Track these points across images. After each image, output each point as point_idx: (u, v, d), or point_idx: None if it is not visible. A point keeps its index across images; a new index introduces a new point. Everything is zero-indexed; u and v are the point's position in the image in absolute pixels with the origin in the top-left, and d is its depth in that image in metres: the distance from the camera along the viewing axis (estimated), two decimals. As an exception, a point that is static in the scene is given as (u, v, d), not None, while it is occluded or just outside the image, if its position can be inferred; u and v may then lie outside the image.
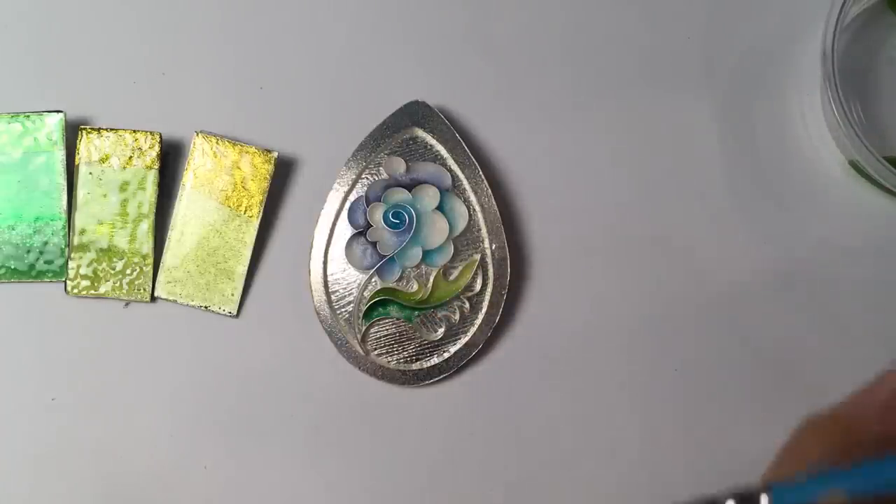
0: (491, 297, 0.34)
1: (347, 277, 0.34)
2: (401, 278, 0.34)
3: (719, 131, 0.36)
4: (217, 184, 0.35)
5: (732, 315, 0.35)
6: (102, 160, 0.34)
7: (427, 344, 0.34)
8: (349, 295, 0.34)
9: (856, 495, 0.20)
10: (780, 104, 0.36)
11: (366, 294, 0.34)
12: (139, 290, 0.34)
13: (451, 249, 0.34)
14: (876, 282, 0.35)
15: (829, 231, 0.36)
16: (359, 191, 0.34)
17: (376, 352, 0.34)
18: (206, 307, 0.35)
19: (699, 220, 0.36)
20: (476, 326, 0.34)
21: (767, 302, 0.35)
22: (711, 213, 0.36)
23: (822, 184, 0.36)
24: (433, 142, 0.35)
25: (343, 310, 0.34)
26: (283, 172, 0.36)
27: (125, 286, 0.34)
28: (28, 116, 0.34)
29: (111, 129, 0.34)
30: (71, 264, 0.34)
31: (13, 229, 0.34)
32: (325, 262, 0.34)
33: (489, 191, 0.34)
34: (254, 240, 0.35)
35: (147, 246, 0.35)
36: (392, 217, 0.34)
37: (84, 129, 0.34)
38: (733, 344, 0.35)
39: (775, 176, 0.36)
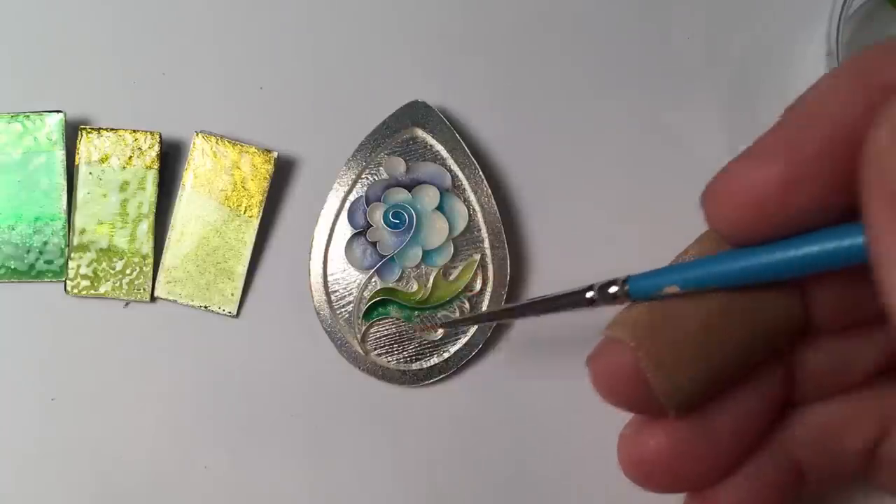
0: (491, 297, 0.34)
1: (347, 277, 0.34)
2: (401, 278, 0.34)
3: (723, 130, 0.36)
4: (217, 184, 0.35)
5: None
6: (102, 160, 0.34)
7: (427, 344, 0.34)
8: (349, 295, 0.34)
9: (686, 287, 0.24)
10: (783, 102, 0.36)
11: (366, 294, 0.34)
12: (139, 290, 0.34)
13: (451, 249, 0.34)
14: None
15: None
16: (359, 191, 0.34)
17: (376, 352, 0.34)
18: (206, 307, 0.35)
19: (702, 221, 0.35)
20: (476, 326, 0.34)
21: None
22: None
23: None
24: (433, 142, 0.35)
25: (343, 310, 0.34)
26: (283, 172, 0.36)
27: (125, 286, 0.34)
28: (28, 116, 0.34)
29: (111, 129, 0.35)
30: (71, 264, 0.34)
31: (13, 229, 0.34)
32: (324, 262, 0.34)
33: (489, 191, 0.34)
34: (254, 240, 0.35)
35: (147, 246, 0.35)
36: (392, 217, 0.34)
37: (84, 128, 0.34)
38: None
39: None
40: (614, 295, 0.25)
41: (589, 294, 0.26)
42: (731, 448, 0.26)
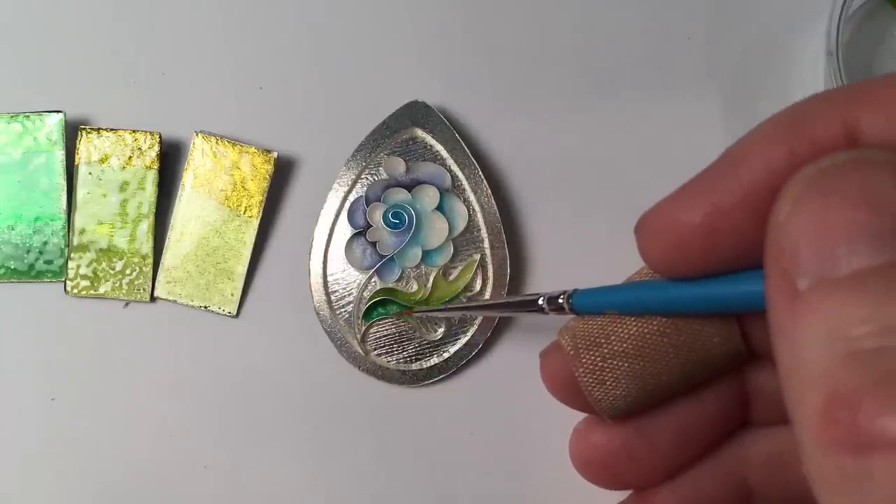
0: (491, 296, 0.34)
1: (347, 277, 0.34)
2: (400, 278, 0.34)
3: (723, 130, 0.36)
4: (217, 184, 0.35)
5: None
6: (102, 160, 0.34)
7: (427, 344, 0.34)
8: (349, 295, 0.34)
9: (623, 310, 0.25)
10: (784, 101, 0.36)
11: (365, 294, 0.34)
12: (139, 290, 0.34)
13: (451, 249, 0.34)
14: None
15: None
16: (358, 191, 0.34)
17: (376, 352, 0.34)
18: (205, 307, 0.35)
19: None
20: (476, 326, 0.34)
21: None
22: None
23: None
24: (433, 142, 0.35)
25: (343, 310, 0.34)
26: (283, 172, 0.36)
27: (125, 286, 0.34)
28: (28, 116, 0.34)
29: (111, 129, 0.35)
30: (70, 264, 0.34)
31: (13, 229, 0.34)
32: (324, 263, 0.34)
33: (489, 191, 0.34)
34: (253, 240, 0.35)
35: (147, 246, 0.35)
36: (392, 217, 0.34)
37: (84, 128, 0.34)
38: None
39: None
40: (561, 306, 0.26)
41: (540, 301, 0.27)
42: (669, 454, 0.27)
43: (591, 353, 0.25)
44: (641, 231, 0.24)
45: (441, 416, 0.34)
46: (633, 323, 0.25)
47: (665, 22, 0.36)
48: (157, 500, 0.34)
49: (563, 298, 0.26)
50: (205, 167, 0.35)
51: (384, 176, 0.34)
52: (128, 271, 0.34)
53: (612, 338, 0.25)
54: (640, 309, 0.25)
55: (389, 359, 0.34)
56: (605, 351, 0.25)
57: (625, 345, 0.25)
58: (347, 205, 0.34)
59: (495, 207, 0.34)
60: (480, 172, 0.34)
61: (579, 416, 0.34)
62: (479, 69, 0.36)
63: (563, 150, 0.36)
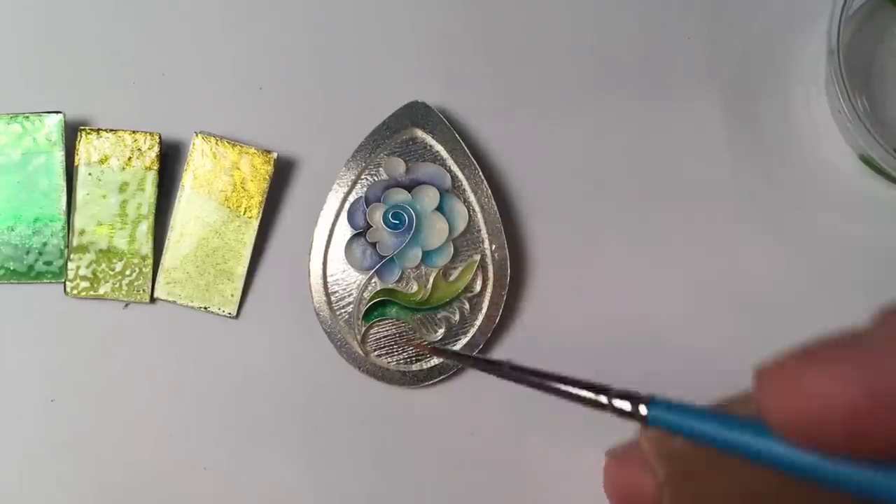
0: (491, 297, 0.34)
1: (347, 278, 0.34)
2: (400, 279, 0.34)
3: (723, 130, 0.36)
4: (216, 184, 0.35)
5: (740, 315, 0.35)
6: (102, 161, 0.34)
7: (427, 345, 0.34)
8: (349, 296, 0.34)
9: (722, 449, 0.20)
10: (784, 100, 0.36)
11: (365, 295, 0.34)
12: (138, 291, 0.34)
13: (451, 250, 0.34)
14: (890, 279, 0.35)
15: (841, 225, 0.35)
16: (358, 191, 0.34)
17: (376, 353, 0.34)
18: (205, 308, 0.35)
19: (703, 220, 0.35)
20: (476, 327, 0.34)
21: (777, 300, 0.35)
22: (716, 212, 0.35)
23: (832, 179, 0.35)
24: (433, 142, 0.35)
25: (343, 311, 0.34)
26: (282, 173, 0.36)
27: (124, 287, 0.34)
28: (27, 117, 0.34)
29: (110, 130, 0.34)
30: (70, 265, 0.34)
31: (12, 230, 0.34)
32: (324, 263, 0.34)
33: (489, 191, 0.34)
34: (253, 240, 0.35)
35: (146, 247, 0.35)
36: (392, 218, 0.34)
37: (83, 129, 0.34)
38: (742, 342, 0.34)
39: (784, 173, 0.36)
40: (629, 413, 0.22)
41: (602, 399, 0.23)
42: None
43: (683, 487, 0.21)
44: (768, 390, 0.19)
45: (441, 417, 0.34)
46: (745, 469, 0.20)
47: (665, 22, 0.36)
48: (157, 501, 0.34)
49: (632, 405, 0.21)
50: (204, 168, 0.35)
51: (384, 176, 0.34)
52: (127, 272, 0.34)
53: (715, 479, 0.21)
54: (751, 458, 0.19)
55: (389, 360, 0.34)
56: (703, 491, 0.21)
57: (730, 489, 0.21)
58: (347, 205, 0.34)
59: (495, 207, 0.34)
60: (480, 172, 0.34)
61: (582, 414, 0.34)
62: (479, 69, 0.36)
63: (563, 150, 0.36)
